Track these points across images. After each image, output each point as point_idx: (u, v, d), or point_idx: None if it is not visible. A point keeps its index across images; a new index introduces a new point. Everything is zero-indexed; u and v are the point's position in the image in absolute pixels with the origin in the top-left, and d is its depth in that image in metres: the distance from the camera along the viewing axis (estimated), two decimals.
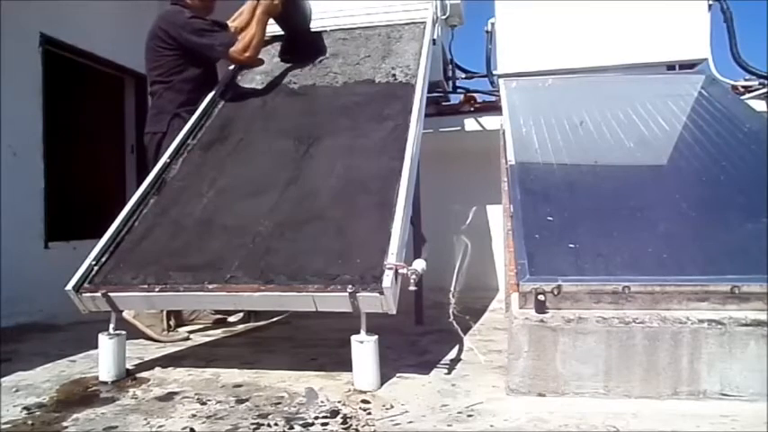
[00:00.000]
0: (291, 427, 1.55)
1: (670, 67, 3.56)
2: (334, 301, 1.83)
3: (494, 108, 3.81)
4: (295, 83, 2.97)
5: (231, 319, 3.01)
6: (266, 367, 2.10)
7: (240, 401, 1.76)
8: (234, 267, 1.99)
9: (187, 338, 2.63)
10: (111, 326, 2.05)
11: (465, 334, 2.23)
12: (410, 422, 1.56)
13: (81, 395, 1.90)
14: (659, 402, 1.60)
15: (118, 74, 4.55)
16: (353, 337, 1.82)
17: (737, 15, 3.72)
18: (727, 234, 1.92)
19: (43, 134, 3.69)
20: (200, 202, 2.33)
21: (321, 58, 3.11)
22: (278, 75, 3.04)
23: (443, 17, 3.51)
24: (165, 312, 2.63)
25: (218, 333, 2.77)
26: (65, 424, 1.64)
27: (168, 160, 2.56)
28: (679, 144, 2.55)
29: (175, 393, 1.86)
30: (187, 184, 2.45)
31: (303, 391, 1.82)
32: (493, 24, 3.98)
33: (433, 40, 3.13)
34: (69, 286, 2.04)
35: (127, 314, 2.42)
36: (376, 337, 1.82)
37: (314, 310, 1.87)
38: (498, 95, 3.52)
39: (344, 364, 1.89)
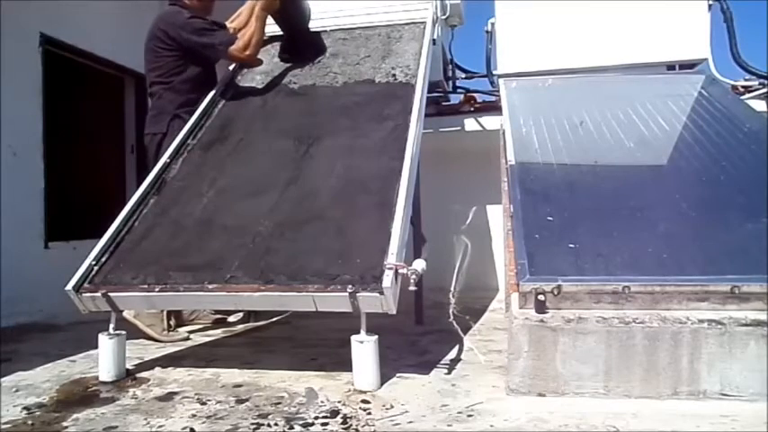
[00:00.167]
0: (291, 427, 1.55)
1: (670, 67, 3.56)
2: (334, 301, 1.83)
3: (494, 108, 3.81)
4: (295, 83, 2.97)
5: (231, 319, 3.01)
6: (266, 367, 2.10)
7: (240, 401, 1.76)
8: (234, 267, 1.99)
9: (187, 338, 2.63)
10: (111, 326, 2.05)
11: (465, 334, 2.23)
12: (410, 422, 1.56)
13: (81, 395, 1.90)
14: (659, 402, 1.60)
15: (118, 74, 4.55)
16: (353, 337, 1.82)
17: (737, 15, 3.73)
18: (727, 234, 1.92)
19: (43, 134, 3.69)
20: (200, 202, 2.33)
21: (321, 57, 3.11)
22: (278, 75, 3.04)
23: (443, 17, 3.51)
24: (165, 312, 2.63)
25: (218, 333, 2.77)
26: (65, 424, 1.64)
27: (168, 160, 2.56)
28: (679, 144, 2.55)
29: (175, 393, 1.86)
30: (187, 184, 2.45)
31: (303, 391, 1.82)
32: (493, 24, 3.98)
33: (433, 40, 3.13)
34: (69, 286, 2.04)
35: (127, 314, 2.42)
36: (376, 337, 1.82)
37: (314, 310, 1.87)
38: (498, 95, 3.51)
39: (344, 364, 1.89)
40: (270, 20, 3.04)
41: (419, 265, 1.89)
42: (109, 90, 4.65)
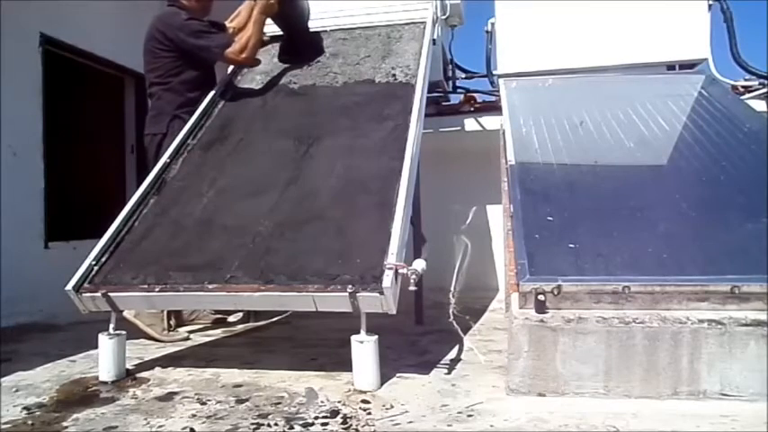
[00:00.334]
0: (291, 427, 1.55)
1: (670, 67, 3.56)
2: (334, 301, 1.83)
3: (494, 108, 3.81)
4: (295, 83, 2.97)
5: (231, 319, 3.01)
6: (266, 367, 2.10)
7: (240, 401, 1.76)
8: (234, 267, 1.99)
9: (187, 338, 2.63)
10: (111, 326, 2.05)
11: (465, 334, 2.23)
12: (410, 422, 1.56)
13: (81, 395, 1.90)
14: (659, 402, 1.60)
15: (118, 74, 4.55)
16: (353, 337, 1.82)
17: (737, 15, 3.73)
18: (727, 234, 1.92)
19: (43, 134, 3.69)
20: (201, 202, 2.33)
21: (321, 58, 3.10)
22: (278, 75, 3.04)
23: (443, 17, 3.51)
24: (165, 312, 2.63)
25: (218, 333, 2.77)
26: (65, 424, 1.64)
27: (168, 160, 2.56)
28: (679, 144, 2.55)
29: (175, 393, 1.86)
30: (187, 184, 2.45)
31: (303, 391, 1.82)
32: (493, 24, 3.98)
33: (433, 40, 3.13)
34: (69, 286, 2.04)
35: (127, 313, 2.42)
36: (376, 337, 1.82)
37: (314, 310, 1.87)
38: (498, 95, 3.52)
39: (344, 364, 1.89)
40: (269, 20, 3.04)
41: (419, 265, 1.89)
42: (109, 90, 4.65)
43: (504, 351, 1.97)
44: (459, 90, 4.34)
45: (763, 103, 3.56)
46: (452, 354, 2.20)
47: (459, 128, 4.01)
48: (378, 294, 1.77)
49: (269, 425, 1.57)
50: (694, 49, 3.45)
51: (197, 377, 2.03)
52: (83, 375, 2.10)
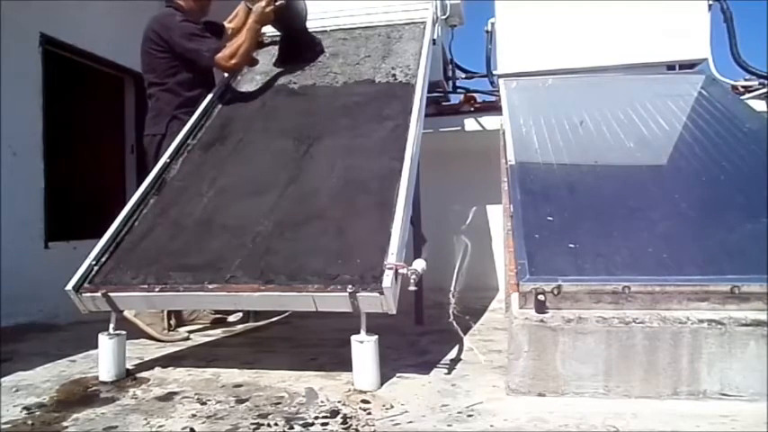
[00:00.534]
0: (291, 427, 1.55)
1: (670, 67, 3.56)
2: (334, 301, 1.83)
3: (494, 108, 3.81)
4: (295, 83, 2.97)
5: (231, 318, 3.01)
6: (266, 367, 2.10)
7: (240, 401, 1.76)
8: (234, 267, 1.99)
9: (187, 338, 2.63)
10: (111, 326, 2.05)
11: (465, 334, 2.22)
12: (410, 422, 1.56)
13: (81, 395, 1.90)
14: (659, 402, 1.60)
15: (118, 74, 4.55)
16: (353, 337, 1.82)
17: (737, 15, 3.73)
18: (727, 234, 1.92)
19: (43, 134, 3.69)
20: (200, 201, 2.33)
21: (321, 58, 3.10)
22: (278, 75, 3.04)
23: (443, 17, 3.51)
24: (165, 312, 2.63)
25: (218, 333, 2.77)
26: (65, 424, 1.64)
27: (168, 160, 2.56)
28: (679, 144, 2.55)
29: (175, 393, 1.86)
30: (187, 183, 2.45)
31: (303, 391, 1.82)
32: (493, 24, 3.98)
33: (433, 40, 3.13)
34: (69, 286, 2.04)
35: (128, 312, 2.42)
36: (376, 337, 1.82)
37: (314, 310, 1.87)
38: (498, 95, 3.51)
39: (344, 364, 1.89)
40: None
41: (419, 265, 1.89)
42: (109, 90, 4.66)
43: (504, 351, 1.97)
44: (459, 90, 4.34)
45: (763, 103, 3.56)
46: (452, 354, 2.20)
47: (459, 128, 4.01)
48: (378, 294, 1.77)
49: (269, 425, 1.57)
50: (694, 49, 3.45)
51: (197, 377, 2.03)
52: (83, 375, 2.10)
